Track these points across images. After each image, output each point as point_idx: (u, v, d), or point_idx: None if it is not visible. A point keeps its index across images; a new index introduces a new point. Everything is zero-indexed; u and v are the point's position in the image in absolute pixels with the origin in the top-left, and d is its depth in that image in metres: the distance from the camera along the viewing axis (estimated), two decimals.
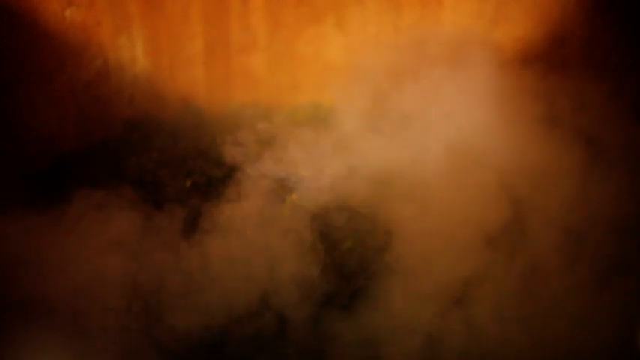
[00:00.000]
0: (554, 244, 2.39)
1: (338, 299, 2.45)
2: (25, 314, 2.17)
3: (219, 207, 2.67)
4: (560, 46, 2.96)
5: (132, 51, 2.93)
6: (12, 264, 2.25)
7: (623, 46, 2.84)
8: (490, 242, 2.41)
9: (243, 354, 2.33)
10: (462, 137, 2.67)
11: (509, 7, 2.96)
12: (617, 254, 2.37)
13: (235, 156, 2.88)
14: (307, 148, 2.94)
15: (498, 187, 2.51)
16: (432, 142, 2.69)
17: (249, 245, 2.55)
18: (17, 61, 2.65)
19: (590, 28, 2.90)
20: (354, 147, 2.86)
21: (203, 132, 3.01)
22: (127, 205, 2.57)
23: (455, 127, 2.72)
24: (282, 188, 2.78)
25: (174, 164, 2.87)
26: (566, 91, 2.73)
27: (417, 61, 2.88)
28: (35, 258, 2.29)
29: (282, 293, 2.44)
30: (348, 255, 2.57)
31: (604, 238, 2.39)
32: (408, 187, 2.61)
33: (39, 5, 2.67)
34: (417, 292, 2.36)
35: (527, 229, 2.46)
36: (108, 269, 2.34)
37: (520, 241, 2.43)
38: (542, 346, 2.22)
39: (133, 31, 2.89)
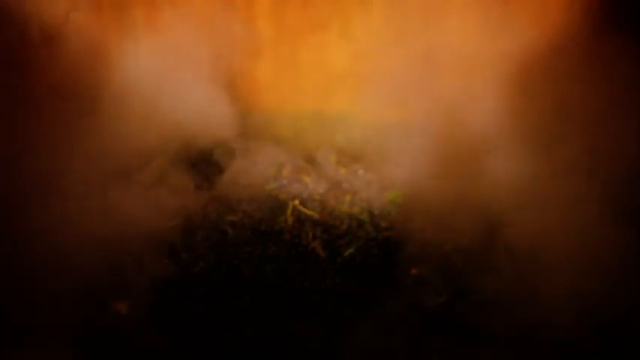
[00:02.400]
0: None
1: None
2: None
3: (222, 211, 2.67)
4: (565, 54, 2.94)
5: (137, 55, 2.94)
6: None
7: (630, 54, 2.82)
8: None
9: None
10: (468, 144, 2.67)
11: (515, 15, 2.95)
12: None
13: (238, 161, 2.88)
14: (310, 154, 2.94)
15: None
16: (435, 146, 2.69)
17: (251, 250, 2.55)
18: (23, 63, 2.67)
19: (596, 37, 2.88)
20: (358, 153, 2.86)
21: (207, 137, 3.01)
22: None
23: (461, 133, 2.71)
24: (285, 194, 2.77)
25: (178, 168, 2.87)
26: (571, 98, 2.72)
27: (423, 68, 2.88)
28: None
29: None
30: (350, 261, 2.55)
31: None
32: (414, 192, 2.61)
33: (45, 8, 2.69)
34: None
35: None
36: None
37: None
38: None
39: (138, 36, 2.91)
